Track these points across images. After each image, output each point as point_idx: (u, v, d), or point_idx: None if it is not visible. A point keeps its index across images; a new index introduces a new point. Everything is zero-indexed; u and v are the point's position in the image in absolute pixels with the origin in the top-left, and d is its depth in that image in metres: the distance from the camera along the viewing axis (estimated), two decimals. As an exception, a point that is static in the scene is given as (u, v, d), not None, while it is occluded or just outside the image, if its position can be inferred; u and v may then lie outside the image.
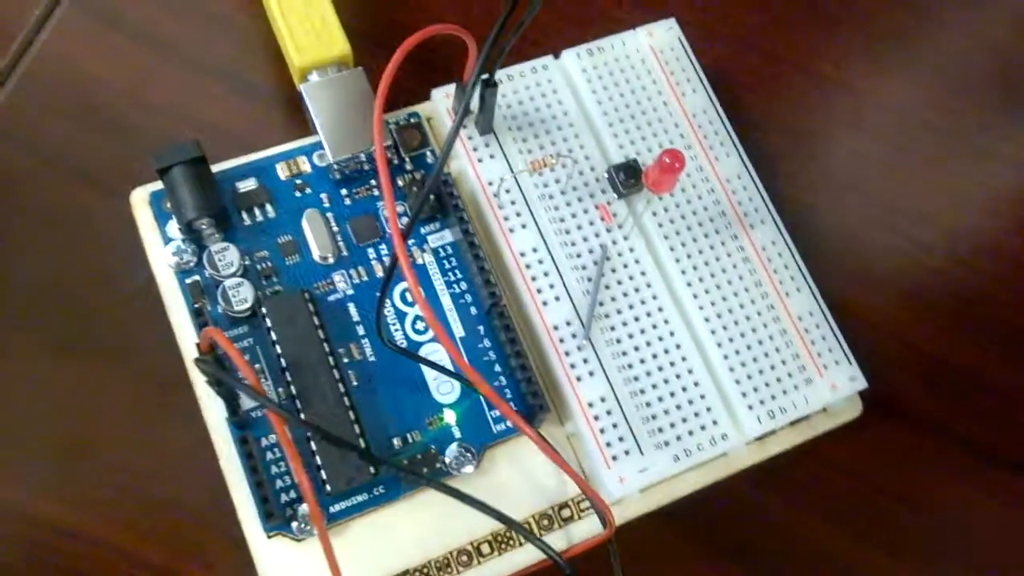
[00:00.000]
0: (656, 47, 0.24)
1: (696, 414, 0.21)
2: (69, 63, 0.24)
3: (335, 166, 0.21)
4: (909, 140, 0.26)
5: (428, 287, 0.22)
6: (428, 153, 0.23)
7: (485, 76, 0.21)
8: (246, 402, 0.20)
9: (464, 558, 0.20)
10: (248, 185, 0.22)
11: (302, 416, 0.19)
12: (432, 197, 0.22)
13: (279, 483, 0.20)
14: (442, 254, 0.22)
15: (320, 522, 0.15)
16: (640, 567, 0.21)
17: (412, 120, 0.23)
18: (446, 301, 0.22)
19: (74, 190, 0.23)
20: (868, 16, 0.27)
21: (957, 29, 0.28)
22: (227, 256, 0.21)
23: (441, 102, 0.23)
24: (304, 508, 0.19)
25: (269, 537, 0.19)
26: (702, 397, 0.21)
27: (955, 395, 0.24)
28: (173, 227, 0.21)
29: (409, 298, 0.21)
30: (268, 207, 0.22)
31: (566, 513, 0.21)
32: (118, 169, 0.23)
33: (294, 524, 0.19)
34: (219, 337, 0.15)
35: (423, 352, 0.21)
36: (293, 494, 0.20)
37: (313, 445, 0.19)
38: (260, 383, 0.20)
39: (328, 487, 0.19)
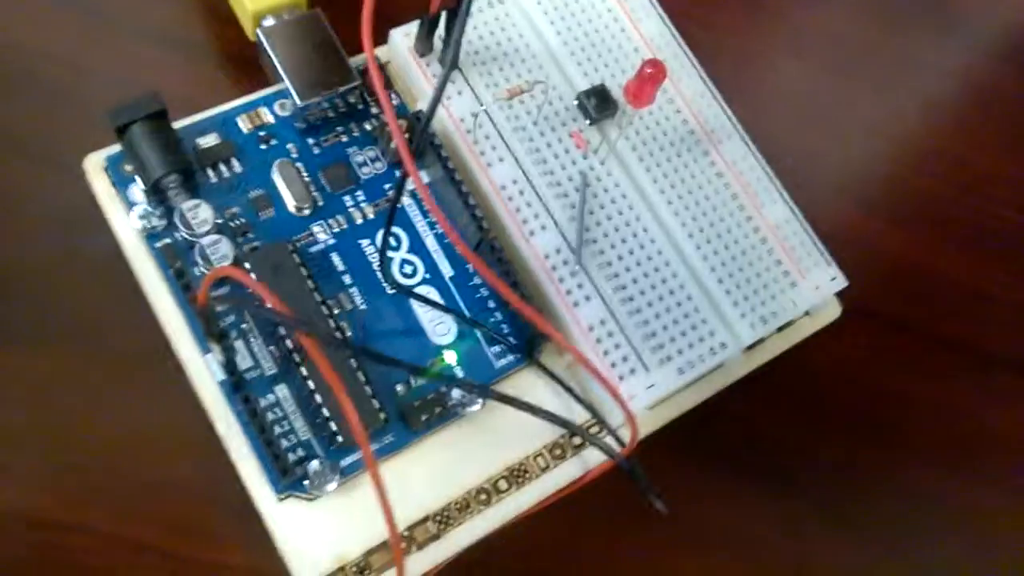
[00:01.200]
0: (606, -24, 0.24)
1: (693, 327, 0.21)
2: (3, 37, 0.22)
3: (302, 112, 0.20)
4: (847, 59, 0.27)
5: (411, 231, 0.21)
6: (393, 95, 0.22)
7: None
8: (243, 361, 0.19)
9: (483, 496, 0.20)
10: (210, 141, 0.20)
11: (303, 370, 0.19)
12: (407, 139, 0.21)
13: (284, 442, 0.19)
14: (420, 196, 0.21)
15: (371, 459, 0.14)
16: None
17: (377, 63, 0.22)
18: (431, 243, 0.21)
19: (19, 166, 0.21)
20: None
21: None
22: (200, 213, 0.19)
23: (401, 42, 0.22)
24: (314, 465, 0.19)
25: (280, 500, 0.19)
26: (696, 311, 0.21)
27: (924, 295, 0.25)
28: (135, 191, 0.20)
29: (393, 243, 0.21)
30: (234, 162, 0.21)
31: (576, 440, 0.21)
32: (64, 141, 0.21)
33: (306, 482, 0.19)
34: (235, 272, 0.14)
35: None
36: (300, 452, 0.19)
37: (318, 398, 0.19)
38: (252, 344, 0.19)
39: (340, 438, 0.18)
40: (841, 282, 0.22)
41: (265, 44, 0.21)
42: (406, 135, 0.21)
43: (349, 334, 0.20)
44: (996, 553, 0.23)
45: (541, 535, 0.21)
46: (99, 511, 0.19)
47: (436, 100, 0.17)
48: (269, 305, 0.14)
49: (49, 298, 0.20)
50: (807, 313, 0.23)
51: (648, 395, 0.20)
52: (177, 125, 0.20)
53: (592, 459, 0.20)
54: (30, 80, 0.22)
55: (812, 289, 0.22)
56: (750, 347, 0.22)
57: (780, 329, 0.22)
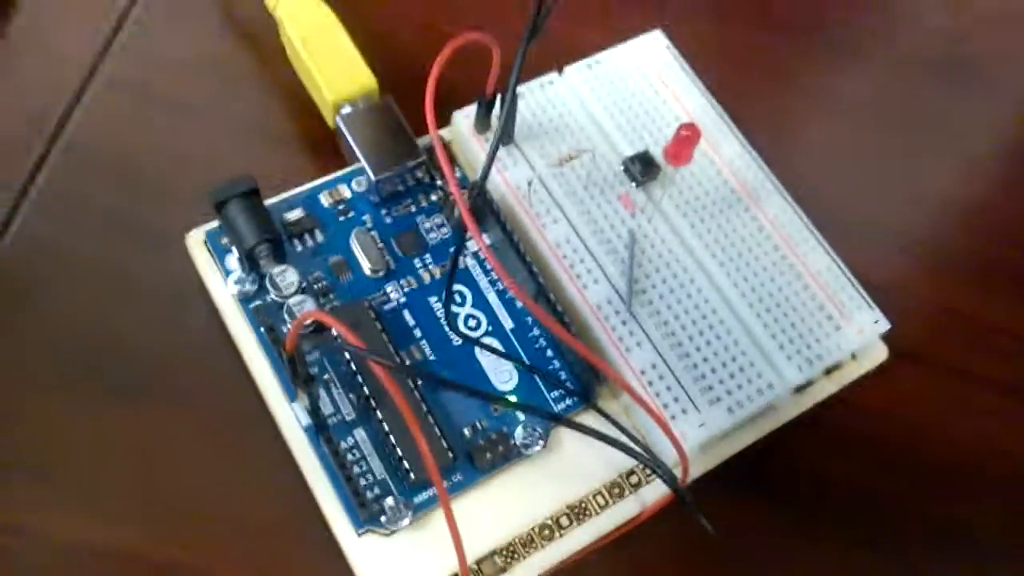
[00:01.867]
0: (649, 56, 0.26)
1: (741, 369, 0.22)
2: (107, 139, 0.25)
3: (376, 186, 0.23)
4: (876, 118, 0.29)
5: (474, 288, 0.23)
6: (456, 169, 0.25)
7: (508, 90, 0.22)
8: (326, 406, 0.21)
9: (546, 532, 0.21)
10: (296, 214, 0.23)
11: (379, 414, 0.20)
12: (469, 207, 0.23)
13: (363, 481, 0.21)
14: (482, 257, 0.23)
15: (443, 489, 0.16)
16: (699, 528, 0.22)
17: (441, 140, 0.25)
18: (492, 299, 0.23)
19: (129, 246, 0.24)
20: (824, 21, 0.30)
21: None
22: (287, 276, 0.22)
23: (463, 122, 0.25)
24: (390, 501, 0.20)
25: (360, 535, 0.20)
26: (744, 354, 0.22)
27: (970, 339, 0.26)
28: (231, 260, 0.22)
29: (458, 299, 0.23)
30: (317, 233, 0.23)
31: (634, 479, 0.22)
32: (164, 225, 0.24)
33: (383, 518, 0.20)
34: (320, 315, 0.16)
35: (475, 348, 0.22)
36: (377, 491, 0.21)
37: (393, 439, 0.20)
38: (333, 392, 0.21)
39: (412, 475, 0.20)
40: (884, 324, 0.23)
41: (343, 129, 0.23)
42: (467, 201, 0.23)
43: (421, 382, 0.22)
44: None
45: (601, 570, 0.22)
46: (192, 550, 0.21)
47: (489, 163, 0.19)
48: (350, 340, 0.16)
49: (157, 360, 0.23)
50: (854, 357, 0.24)
51: (699, 433, 0.21)
52: (267, 203, 0.23)
53: (648, 498, 0.22)
54: (139, 172, 0.25)
55: (855, 332, 0.23)
56: (799, 389, 0.23)
57: (828, 373, 0.23)
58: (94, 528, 0.21)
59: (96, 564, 0.21)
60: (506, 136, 0.24)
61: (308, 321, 0.17)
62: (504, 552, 0.21)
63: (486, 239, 0.24)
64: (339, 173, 0.24)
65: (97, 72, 0.26)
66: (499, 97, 0.24)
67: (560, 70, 0.26)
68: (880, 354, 0.24)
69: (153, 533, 0.21)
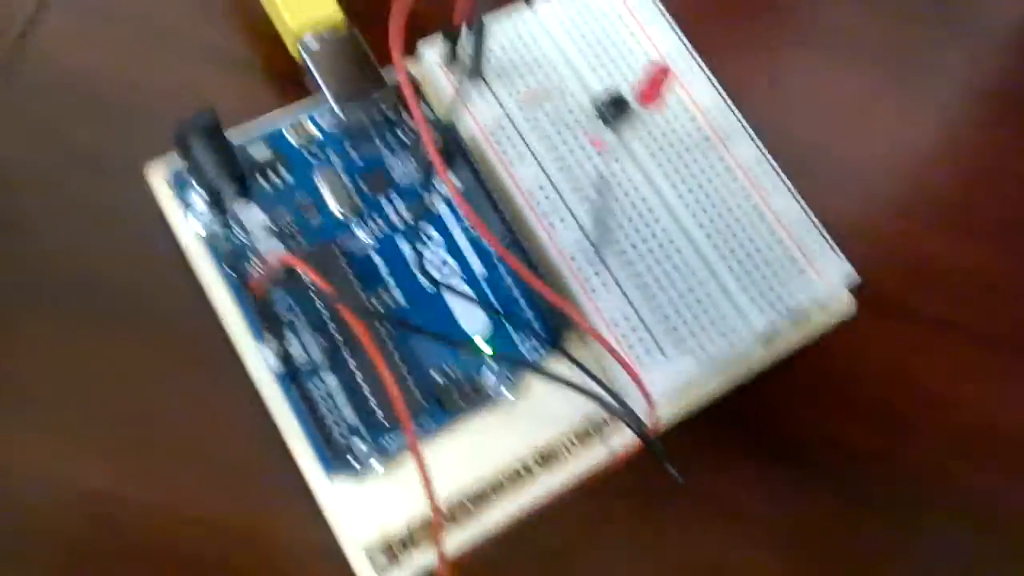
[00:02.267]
0: (620, -10, 0.26)
1: (709, 318, 0.22)
2: (67, 59, 0.24)
3: (342, 117, 0.22)
4: (856, 59, 0.29)
5: (445, 233, 0.23)
6: (423, 105, 0.24)
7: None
8: (295, 351, 0.21)
9: (515, 476, 0.21)
10: (261, 151, 0.22)
11: (349, 358, 0.20)
12: (440, 147, 0.23)
13: (334, 426, 0.20)
14: (453, 201, 0.23)
15: (412, 434, 0.16)
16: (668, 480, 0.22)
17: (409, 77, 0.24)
18: (463, 243, 0.23)
19: (91, 179, 0.23)
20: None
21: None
22: (253, 216, 0.21)
23: (430, 56, 0.24)
24: (360, 445, 0.20)
25: (330, 479, 0.20)
26: (712, 301, 0.23)
27: (940, 286, 0.26)
28: (194, 197, 0.22)
29: (427, 241, 0.23)
30: (282, 170, 0.22)
31: (604, 427, 0.22)
32: (126, 154, 0.23)
33: (353, 461, 0.20)
34: (292, 259, 0.16)
35: (445, 292, 0.22)
36: (348, 435, 0.20)
37: (363, 384, 0.20)
38: (302, 335, 0.21)
39: (383, 420, 0.20)
40: (854, 278, 0.24)
41: (307, 59, 0.22)
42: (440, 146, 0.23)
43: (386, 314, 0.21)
44: (997, 536, 0.24)
45: (571, 515, 0.22)
46: (161, 488, 0.21)
47: (461, 99, 0.18)
48: (321, 285, 0.16)
49: (118, 291, 0.22)
50: (822, 307, 0.24)
51: (668, 380, 0.22)
52: (233, 140, 0.22)
53: (617, 445, 0.22)
54: (93, 100, 0.24)
55: (823, 281, 0.23)
56: (768, 340, 0.23)
57: (796, 323, 0.24)
58: (63, 460, 0.21)
59: (66, 499, 0.20)
60: (474, 70, 0.23)
61: (279, 267, 0.17)
62: (473, 496, 0.21)
63: (456, 182, 0.23)
64: (302, 104, 0.23)
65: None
66: (465, 28, 0.23)
67: (529, 3, 0.25)
68: (849, 304, 0.24)
69: (122, 468, 0.21)
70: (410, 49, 0.24)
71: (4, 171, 0.23)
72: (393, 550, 0.20)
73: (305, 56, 0.22)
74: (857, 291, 0.24)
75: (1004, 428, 0.25)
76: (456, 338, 0.22)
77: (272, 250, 0.21)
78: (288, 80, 0.24)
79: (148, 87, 0.24)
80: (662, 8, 0.26)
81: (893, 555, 0.23)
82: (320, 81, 0.22)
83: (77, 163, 0.23)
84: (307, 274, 0.16)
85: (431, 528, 0.20)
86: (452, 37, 0.23)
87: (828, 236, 0.24)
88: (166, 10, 0.25)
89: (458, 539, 0.21)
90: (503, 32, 0.24)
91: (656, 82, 0.21)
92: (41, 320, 0.22)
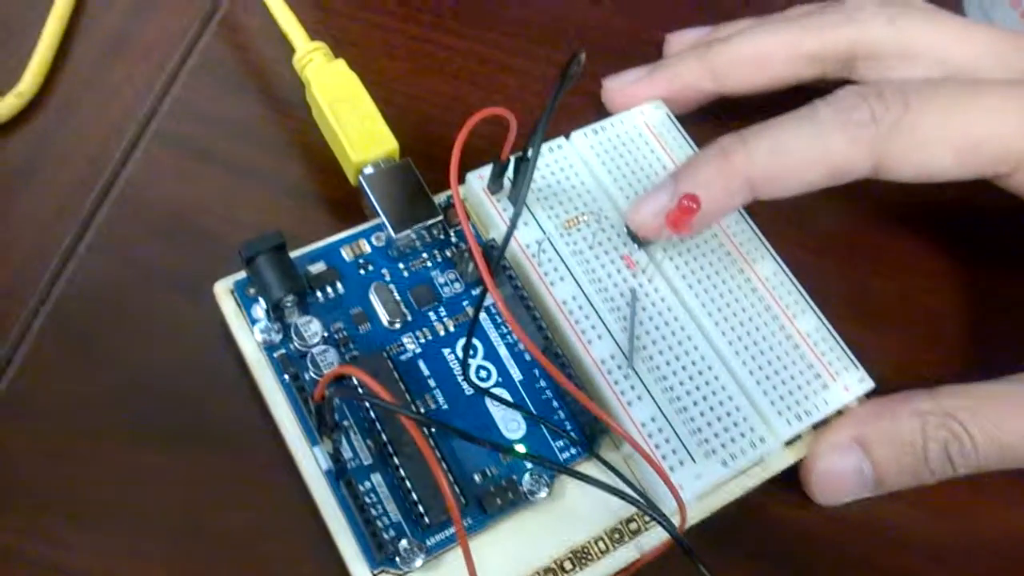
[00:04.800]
0: (649, 123, 0.28)
1: (735, 424, 0.24)
2: (151, 190, 0.27)
3: (395, 242, 0.24)
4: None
5: (485, 341, 0.24)
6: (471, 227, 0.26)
7: (519, 153, 0.24)
8: (345, 451, 0.22)
9: (550, 575, 0.22)
10: (319, 267, 0.25)
11: (396, 460, 0.22)
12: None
13: (379, 523, 0.22)
14: (493, 311, 0.25)
15: (461, 528, 0.17)
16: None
17: (451, 200, 0.26)
18: (503, 351, 0.24)
19: (165, 297, 0.25)
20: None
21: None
22: (311, 327, 0.23)
23: (477, 183, 0.26)
24: (404, 543, 0.22)
25: (375, 575, 0.21)
26: (737, 409, 0.24)
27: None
28: (257, 310, 0.24)
29: (470, 351, 0.24)
30: (338, 284, 0.24)
31: (633, 526, 0.23)
32: (196, 275, 0.25)
33: (397, 559, 0.21)
34: (352, 369, 0.18)
35: (485, 398, 0.24)
36: (392, 532, 0.22)
37: (409, 484, 0.22)
38: (352, 438, 0.23)
39: (426, 519, 0.21)
40: (869, 383, 0.25)
41: (366, 187, 0.25)
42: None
43: (434, 429, 0.23)
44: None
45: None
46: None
47: (511, 230, 0.20)
48: (380, 395, 0.17)
49: (187, 404, 0.24)
50: (840, 413, 0.25)
51: (696, 484, 0.23)
52: (292, 255, 0.24)
53: (647, 544, 0.23)
54: (176, 223, 0.26)
55: (841, 389, 0.25)
56: (789, 443, 0.25)
57: (816, 428, 0.25)
58: (129, 568, 0.22)
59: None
60: (520, 198, 0.26)
61: (341, 374, 0.19)
62: (510, 592, 0.22)
63: (490, 298, 0.25)
64: (359, 228, 0.26)
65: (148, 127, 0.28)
66: (512, 159, 0.25)
67: (567, 135, 0.27)
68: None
69: (175, 571, 0.22)
70: (459, 179, 0.27)
71: (88, 286, 0.25)
72: (433, 645, 0.21)
73: (364, 184, 0.25)
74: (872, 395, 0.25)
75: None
76: (496, 441, 0.23)
77: (331, 360, 0.23)
78: (346, 207, 0.27)
79: (225, 215, 0.27)
80: (682, 130, 0.28)
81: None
82: (377, 206, 0.25)
83: (154, 281, 0.26)
84: (366, 383, 0.18)
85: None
86: (500, 167, 0.25)
87: (846, 348, 0.25)
88: (248, 150, 0.28)
89: (495, 635, 0.21)
90: (543, 162, 0.27)
91: (686, 211, 0.23)
92: (113, 433, 0.24)
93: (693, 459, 0.23)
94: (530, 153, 0.21)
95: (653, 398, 0.24)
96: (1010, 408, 0.23)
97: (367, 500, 0.22)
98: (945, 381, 0.24)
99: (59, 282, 0.25)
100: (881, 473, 0.24)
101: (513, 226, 0.20)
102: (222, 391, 0.24)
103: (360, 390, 0.22)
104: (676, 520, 0.22)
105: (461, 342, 0.24)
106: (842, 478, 0.24)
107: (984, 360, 0.28)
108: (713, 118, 0.30)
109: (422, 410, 0.23)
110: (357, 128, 0.25)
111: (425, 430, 0.22)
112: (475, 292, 0.25)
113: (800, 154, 0.24)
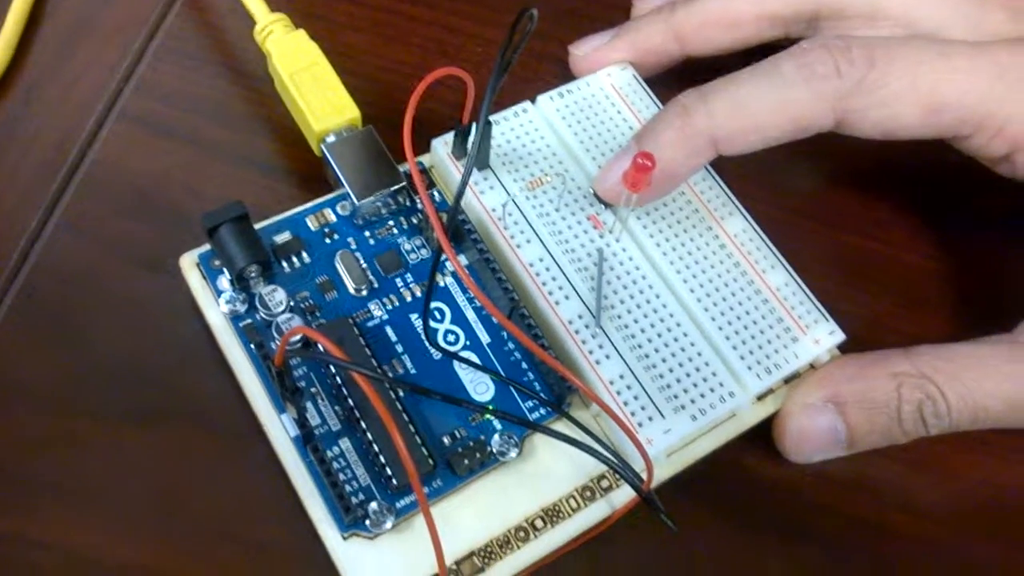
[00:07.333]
0: (616, 85, 0.28)
1: (704, 379, 0.24)
2: (117, 166, 0.27)
3: (359, 210, 0.24)
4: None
5: (453, 305, 0.24)
6: (436, 193, 0.26)
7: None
8: (313, 418, 0.22)
9: (521, 533, 0.22)
10: (284, 237, 0.25)
11: (363, 424, 0.22)
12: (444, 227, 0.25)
13: (348, 488, 0.22)
14: (461, 276, 0.25)
15: (421, 493, 0.17)
16: (667, 534, 0.23)
17: (419, 167, 0.26)
18: (470, 315, 0.24)
19: (134, 273, 0.25)
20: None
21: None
22: (276, 296, 0.23)
23: (442, 149, 0.26)
24: (373, 506, 0.22)
25: (345, 538, 0.22)
26: (707, 364, 0.24)
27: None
28: (222, 281, 0.24)
29: (438, 316, 0.24)
30: (303, 254, 0.24)
31: (605, 483, 0.23)
32: (160, 249, 0.25)
33: (367, 522, 0.21)
34: (307, 330, 0.18)
35: (453, 361, 0.24)
36: (362, 496, 0.22)
37: (376, 447, 0.22)
38: (319, 404, 0.23)
39: (395, 481, 0.21)
40: (839, 335, 0.25)
41: (328, 156, 0.25)
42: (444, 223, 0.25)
43: (403, 393, 0.23)
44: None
45: (574, 570, 0.23)
46: (191, 559, 0.22)
47: (462, 187, 0.20)
48: (334, 353, 0.17)
49: (157, 378, 0.24)
50: (812, 366, 0.25)
51: (665, 439, 0.23)
52: (256, 226, 0.24)
53: (617, 501, 0.23)
54: (140, 199, 0.26)
55: (812, 343, 0.24)
56: (760, 397, 0.24)
57: (787, 381, 0.25)
58: (107, 542, 0.22)
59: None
60: (481, 162, 0.26)
61: (295, 337, 0.19)
62: (482, 553, 0.22)
63: (462, 259, 0.25)
64: (324, 198, 0.26)
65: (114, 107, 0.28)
66: (474, 125, 0.25)
67: (532, 99, 0.27)
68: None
69: (159, 546, 0.22)
70: (425, 147, 0.27)
71: (57, 265, 0.25)
72: (404, 606, 0.21)
73: (327, 153, 0.25)
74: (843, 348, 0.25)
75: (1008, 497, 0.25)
76: (463, 416, 0.23)
77: (291, 324, 0.23)
78: (311, 177, 0.27)
79: (193, 190, 0.27)
80: (649, 92, 0.28)
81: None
82: (340, 175, 0.25)
83: (123, 259, 0.26)
84: (321, 343, 0.18)
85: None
86: (462, 132, 0.25)
87: (816, 301, 0.25)
88: (214, 126, 0.28)
89: (467, 594, 0.22)
90: (508, 126, 0.27)
91: (642, 169, 0.23)
92: (85, 410, 0.24)
93: (662, 415, 0.23)
94: (482, 111, 0.21)
95: (621, 356, 0.24)
96: (985, 370, 0.23)
97: (335, 465, 0.22)
98: (920, 339, 0.24)
99: (27, 262, 0.26)
100: (854, 433, 0.24)
101: (464, 183, 0.20)
102: (192, 364, 0.24)
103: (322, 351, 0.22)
104: (646, 475, 0.22)
105: (431, 306, 0.24)
106: (815, 437, 0.24)
107: (959, 318, 0.28)
108: (681, 79, 0.29)
109: (390, 375, 0.23)
110: (318, 97, 0.25)
111: (392, 394, 0.22)
112: (441, 258, 0.25)
113: (762, 109, 0.24)
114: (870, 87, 0.24)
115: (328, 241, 0.25)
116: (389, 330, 0.24)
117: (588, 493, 0.23)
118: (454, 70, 0.22)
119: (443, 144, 0.26)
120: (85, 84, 0.29)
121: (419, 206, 0.26)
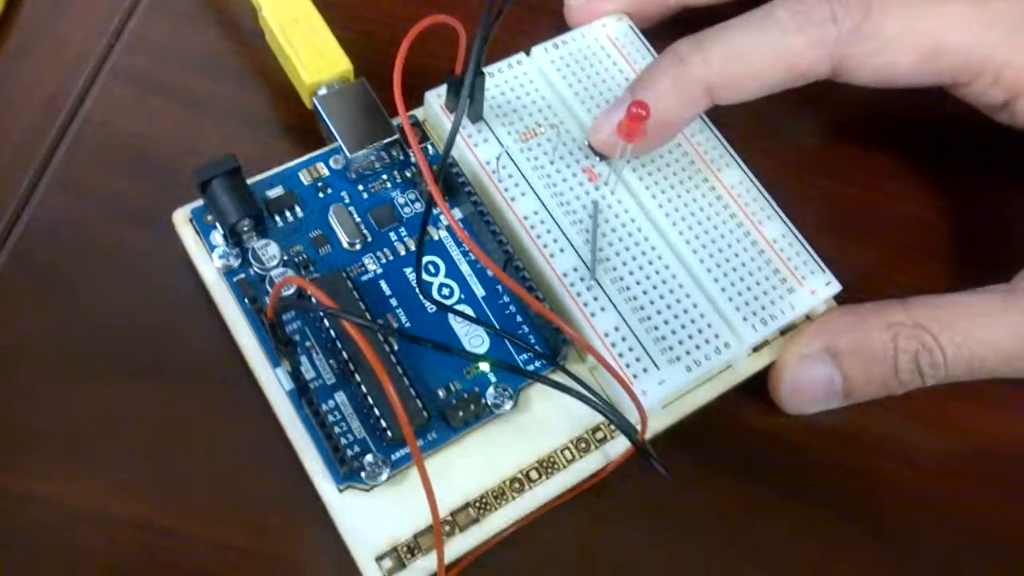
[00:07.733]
0: (612, 36, 0.28)
1: (700, 330, 0.23)
2: (108, 123, 0.27)
3: (352, 163, 0.24)
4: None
5: (447, 259, 0.24)
6: (429, 147, 0.26)
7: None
8: (308, 371, 0.22)
9: (516, 484, 0.22)
10: (277, 192, 0.24)
11: (358, 376, 0.22)
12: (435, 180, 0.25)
13: (343, 440, 0.22)
14: (454, 229, 0.25)
15: (415, 445, 0.17)
16: (662, 485, 0.23)
17: (412, 121, 0.26)
18: (464, 268, 0.24)
19: (127, 231, 0.25)
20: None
21: None
22: (269, 250, 0.23)
23: (435, 101, 0.26)
24: (369, 458, 0.22)
25: (341, 490, 0.22)
26: (702, 316, 0.24)
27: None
28: (215, 236, 0.24)
29: (432, 269, 0.24)
30: (297, 208, 0.24)
31: (600, 435, 0.23)
32: (154, 205, 0.25)
33: (362, 474, 0.22)
34: (296, 279, 0.18)
35: (448, 315, 0.24)
36: (357, 448, 0.22)
37: (371, 400, 0.22)
38: (314, 357, 0.23)
39: (389, 434, 0.22)
40: (836, 286, 0.25)
41: (320, 109, 0.25)
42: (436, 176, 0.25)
43: (397, 347, 0.23)
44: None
45: (569, 521, 0.23)
46: (189, 513, 0.22)
47: (452, 137, 0.20)
48: (323, 301, 0.17)
49: (153, 335, 0.24)
50: (809, 317, 0.25)
51: (660, 390, 0.23)
52: (249, 181, 0.24)
53: (612, 452, 0.23)
54: (132, 155, 0.26)
55: (808, 294, 0.24)
56: (756, 349, 0.24)
57: (783, 333, 0.25)
58: (106, 497, 0.22)
59: (108, 530, 0.22)
60: (475, 114, 0.25)
61: (287, 287, 0.19)
62: (477, 504, 0.22)
63: (457, 213, 0.25)
64: (317, 152, 0.25)
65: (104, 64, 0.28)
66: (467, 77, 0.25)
67: (527, 51, 0.27)
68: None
69: (156, 501, 0.22)
70: (419, 99, 0.26)
71: (50, 224, 0.25)
72: (400, 556, 0.21)
73: (318, 106, 0.25)
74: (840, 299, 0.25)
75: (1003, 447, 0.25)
76: (458, 368, 0.23)
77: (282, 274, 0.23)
78: (303, 131, 0.27)
79: (185, 147, 0.27)
80: (645, 42, 0.28)
81: (878, 571, 0.23)
82: (332, 128, 0.24)
83: (116, 216, 0.26)
84: (311, 292, 0.18)
85: (434, 536, 0.21)
86: (455, 84, 0.25)
87: (813, 252, 0.25)
88: (206, 82, 0.28)
89: (462, 544, 0.22)
90: (502, 78, 0.26)
91: (636, 118, 0.22)
92: (81, 368, 0.24)
93: (657, 366, 0.23)
94: (471, 57, 0.21)
95: (616, 308, 0.23)
96: (981, 320, 0.23)
97: (330, 418, 0.22)
98: (917, 290, 0.24)
99: (20, 221, 0.25)
100: (851, 384, 0.23)
101: (455, 129, 0.20)
102: (187, 320, 0.24)
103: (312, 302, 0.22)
104: (640, 426, 0.22)
105: (424, 260, 0.24)
106: (811, 388, 0.24)
107: (957, 269, 0.28)
108: (676, 30, 0.29)
109: (379, 322, 0.23)
110: (309, 49, 0.25)
111: (386, 347, 0.22)
112: (435, 211, 0.25)
113: (757, 57, 0.24)
114: (866, 34, 0.23)
115: (321, 195, 0.25)
116: (383, 284, 0.24)
117: (583, 444, 0.23)
118: (444, 17, 0.21)
119: (436, 96, 0.26)
120: (76, 41, 0.28)
121: (412, 159, 0.25)
